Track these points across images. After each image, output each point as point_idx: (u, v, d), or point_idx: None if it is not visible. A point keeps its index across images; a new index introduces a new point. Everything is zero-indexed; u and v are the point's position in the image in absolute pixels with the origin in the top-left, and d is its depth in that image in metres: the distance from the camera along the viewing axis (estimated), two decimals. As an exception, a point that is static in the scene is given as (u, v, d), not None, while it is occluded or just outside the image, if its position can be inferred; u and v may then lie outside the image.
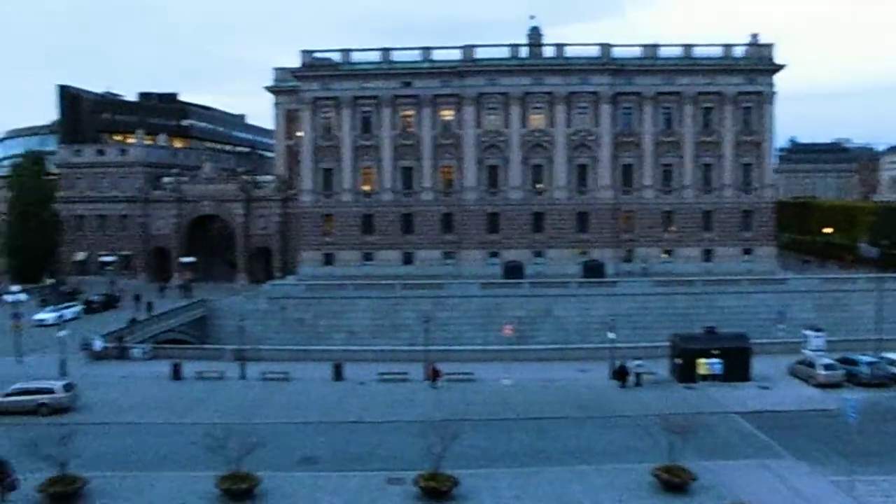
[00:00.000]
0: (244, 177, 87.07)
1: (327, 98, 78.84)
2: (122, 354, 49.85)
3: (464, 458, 28.03)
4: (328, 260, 78.88)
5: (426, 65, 78.02)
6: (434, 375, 42.52)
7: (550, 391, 41.09)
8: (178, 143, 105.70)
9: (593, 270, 71.84)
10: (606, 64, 76.20)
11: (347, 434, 32.98)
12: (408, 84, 78.04)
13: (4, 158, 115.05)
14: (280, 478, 26.74)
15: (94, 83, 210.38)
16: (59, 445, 25.02)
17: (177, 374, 43.97)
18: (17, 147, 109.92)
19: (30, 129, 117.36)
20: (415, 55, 78.49)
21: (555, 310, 65.03)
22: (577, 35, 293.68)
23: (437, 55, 78.07)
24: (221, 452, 24.89)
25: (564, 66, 76.82)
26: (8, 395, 36.63)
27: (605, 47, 76.67)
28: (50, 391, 36.94)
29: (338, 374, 44.12)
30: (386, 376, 44.00)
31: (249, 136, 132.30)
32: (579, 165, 77.55)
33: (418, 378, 43.45)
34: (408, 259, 78.50)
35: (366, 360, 49.78)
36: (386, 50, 78.67)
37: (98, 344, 49.08)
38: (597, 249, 76.15)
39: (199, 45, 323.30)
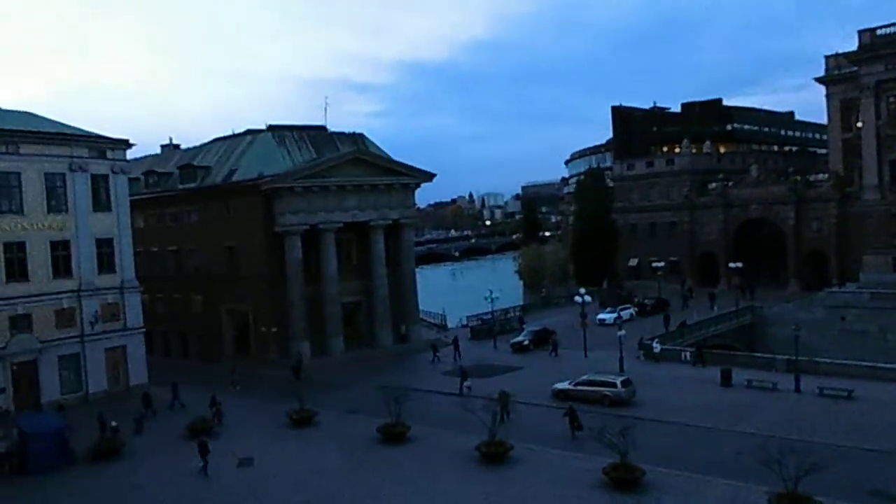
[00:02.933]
0: (794, 177, 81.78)
1: (894, 79, 68.73)
2: (671, 357, 51.73)
3: None
4: (898, 265, 68.33)
5: None
6: None
7: None
8: (722, 149, 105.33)
9: None
10: None
11: (930, 471, 27.83)
12: None
13: (572, 177, 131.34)
14: (845, 508, 24.02)
15: (642, 100, 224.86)
16: (619, 435, 27.12)
17: (726, 381, 43.54)
18: (582, 166, 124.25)
19: (591, 148, 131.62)
20: None
21: None
22: None
23: None
24: (776, 468, 23.51)
25: None
26: (578, 384, 41.46)
27: None
28: (612, 385, 40.53)
29: (914, 399, 37.78)
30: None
31: (799, 134, 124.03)
32: None
33: None
34: None
35: (952, 385, 41.56)
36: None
37: (657, 347, 51.79)
38: None
39: (740, 46, 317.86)
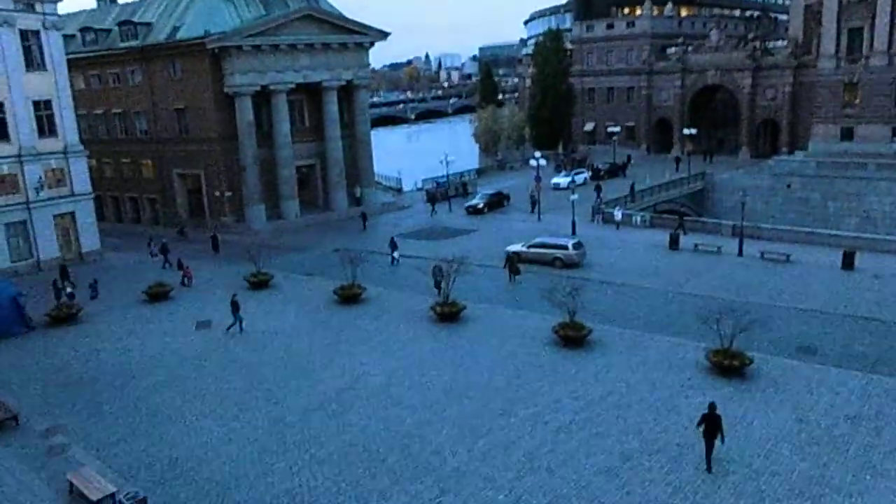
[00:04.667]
0: (753, 44, 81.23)
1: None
2: (621, 220, 52.97)
3: None
4: (846, 135, 69.62)
5: None
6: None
7: None
8: (684, 12, 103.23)
9: None
10: None
11: (854, 330, 29.80)
12: None
13: (531, 38, 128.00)
14: (773, 362, 25.75)
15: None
16: (569, 296, 28.20)
17: (674, 244, 45.04)
18: (541, 27, 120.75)
19: (551, 9, 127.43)
20: None
21: None
22: None
23: None
24: (714, 326, 24.91)
25: None
26: (531, 246, 42.46)
27: None
28: (564, 247, 41.63)
29: (848, 263, 39.71)
30: (910, 270, 38.09)
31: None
32: None
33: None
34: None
35: (885, 251, 43.76)
36: None
37: (618, 214, 52.29)
38: None
39: None
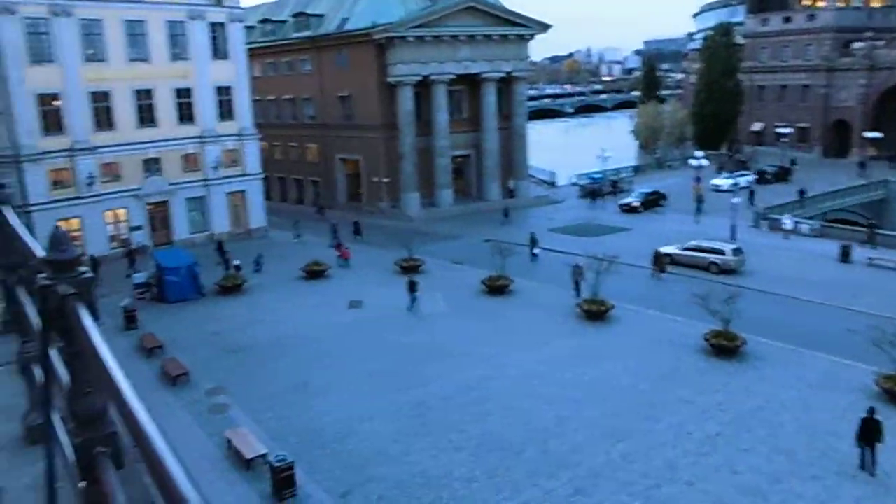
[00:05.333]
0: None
1: None
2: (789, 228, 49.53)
3: None
4: None
5: None
6: None
7: None
8: (875, 3, 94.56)
9: None
10: None
11: None
12: None
13: (699, 31, 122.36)
14: (958, 392, 23.18)
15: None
16: (724, 304, 26.83)
17: (845, 256, 41.64)
18: (711, 20, 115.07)
19: (722, 1, 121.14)
20: None
21: None
22: None
23: None
24: (888, 349, 22.79)
25: None
26: (686, 249, 40.78)
27: None
28: (721, 252, 39.65)
29: None
30: None
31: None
32: None
33: None
34: None
35: None
36: None
37: (788, 221, 48.75)
38: None
39: None
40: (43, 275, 2.39)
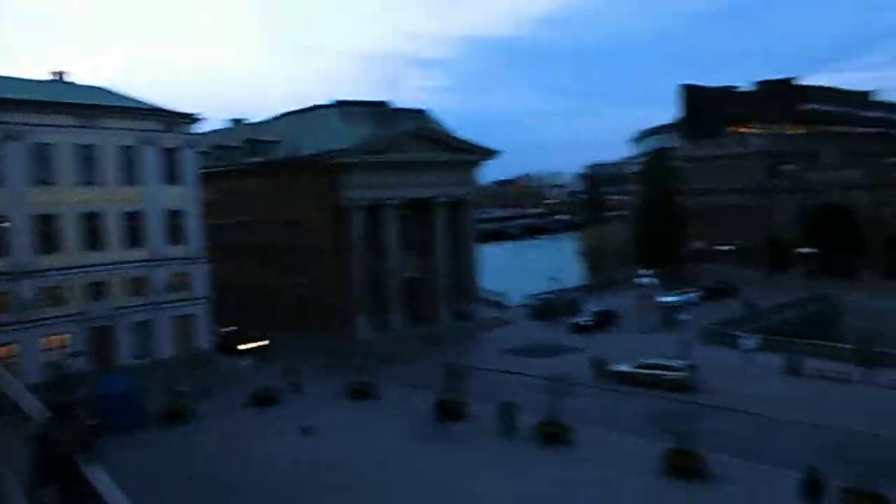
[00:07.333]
0: (873, 160, 78.04)
1: None
2: (732, 343, 50.22)
3: None
4: None
5: None
6: None
7: None
8: (797, 130, 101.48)
9: None
10: None
11: None
12: None
13: (638, 156, 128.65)
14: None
15: (720, 77, 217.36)
16: (682, 421, 26.57)
17: (794, 370, 42.19)
18: (648, 145, 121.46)
19: (658, 127, 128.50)
20: None
21: None
22: None
23: None
24: (853, 466, 22.59)
25: None
26: (639, 367, 40.85)
27: None
28: (675, 369, 39.79)
29: None
30: None
31: (881, 115, 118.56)
32: None
33: None
34: None
35: None
36: None
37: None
38: None
39: (816, 22, 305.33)
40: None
